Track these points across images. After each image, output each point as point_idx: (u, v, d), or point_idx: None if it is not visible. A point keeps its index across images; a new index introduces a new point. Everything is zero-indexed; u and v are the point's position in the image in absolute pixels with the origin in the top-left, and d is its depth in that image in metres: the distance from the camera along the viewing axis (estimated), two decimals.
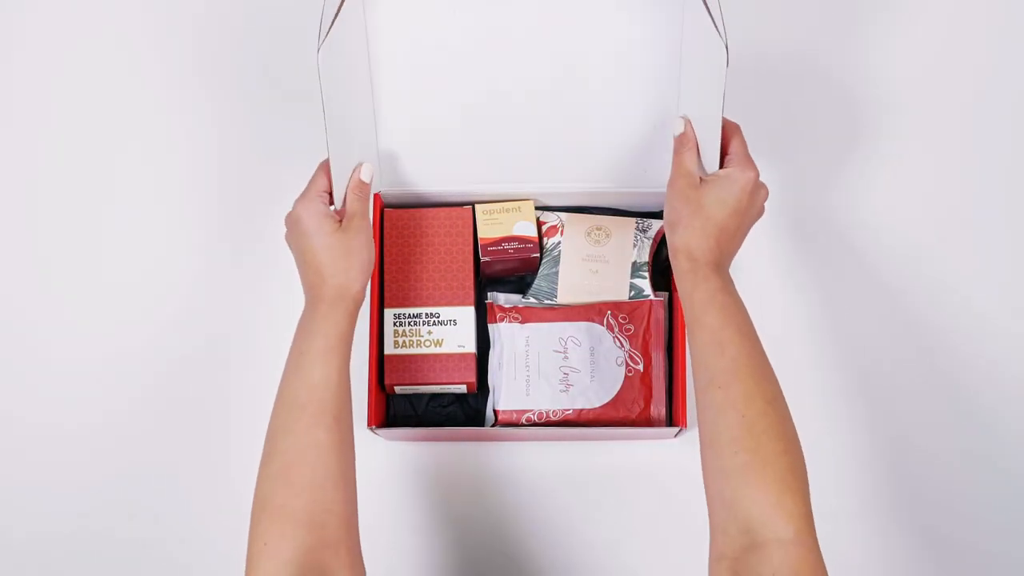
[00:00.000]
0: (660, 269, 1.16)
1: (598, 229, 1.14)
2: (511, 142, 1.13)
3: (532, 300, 1.14)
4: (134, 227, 1.22)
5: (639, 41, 1.09)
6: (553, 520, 1.16)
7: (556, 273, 1.14)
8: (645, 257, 1.13)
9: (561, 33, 1.13)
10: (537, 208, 1.15)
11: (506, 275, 1.15)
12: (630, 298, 1.13)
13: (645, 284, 1.13)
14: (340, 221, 1.00)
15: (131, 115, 1.24)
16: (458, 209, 1.13)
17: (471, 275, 1.12)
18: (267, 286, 1.19)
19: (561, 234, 1.14)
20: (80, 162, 1.23)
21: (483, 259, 1.08)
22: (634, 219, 1.14)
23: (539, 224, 1.15)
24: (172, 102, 1.24)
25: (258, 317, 1.19)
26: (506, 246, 1.03)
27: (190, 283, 1.20)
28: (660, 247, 1.16)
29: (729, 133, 1.00)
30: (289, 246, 1.02)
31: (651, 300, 1.12)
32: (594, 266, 1.13)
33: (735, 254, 0.99)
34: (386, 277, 1.11)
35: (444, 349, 1.10)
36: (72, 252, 1.21)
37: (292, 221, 1.00)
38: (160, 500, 1.16)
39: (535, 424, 1.11)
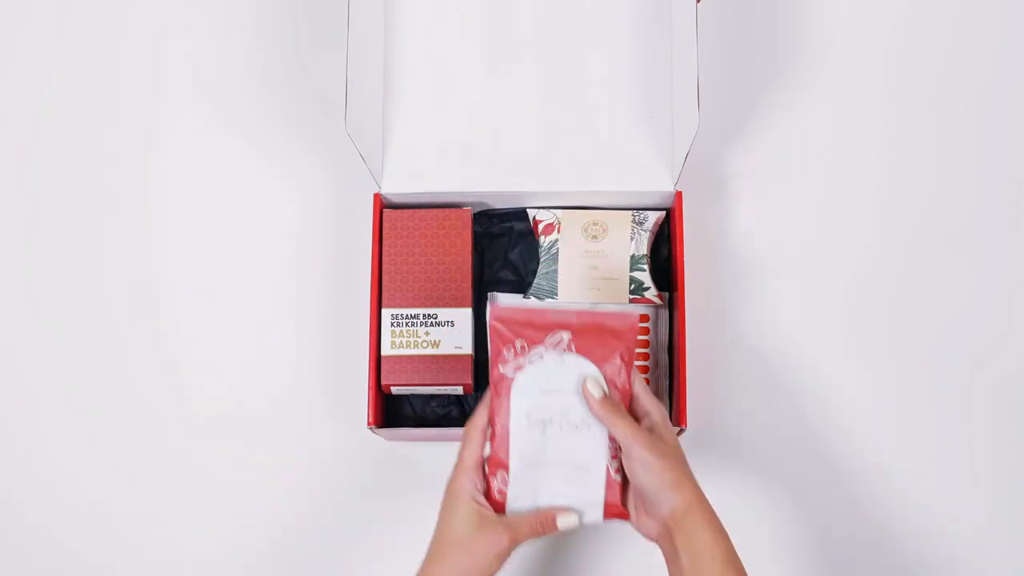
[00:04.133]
0: (660, 268, 1.16)
1: (595, 224, 1.14)
2: (512, 143, 1.13)
3: (533, 299, 1.14)
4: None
5: (633, 40, 1.10)
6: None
7: (555, 271, 1.14)
8: (643, 250, 1.13)
9: (560, 36, 1.14)
10: (533, 207, 1.16)
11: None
12: (631, 291, 1.13)
13: (645, 276, 1.13)
14: (486, 505, 0.94)
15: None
16: (456, 210, 1.13)
17: (468, 276, 1.11)
18: None
19: (558, 231, 1.14)
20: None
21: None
22: (630, 212, 1.14)
23: (535, 223, 1.15)
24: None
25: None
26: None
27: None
28: (659, 243, 1.16)
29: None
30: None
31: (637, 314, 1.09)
32: (593, 261, 1.14)
33: None
34: (384, 277, 1.11)
35: (441, 351, 1.10)
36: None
37: (446, 492, 0.95)
38: None
39: None
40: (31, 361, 1.20)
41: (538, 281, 1.14)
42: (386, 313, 1.11)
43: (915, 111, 1.23)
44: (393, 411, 1.15)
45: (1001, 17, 1.24)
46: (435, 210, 1.13)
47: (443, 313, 1.11)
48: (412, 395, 1.15)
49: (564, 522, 0.94)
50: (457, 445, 1.17)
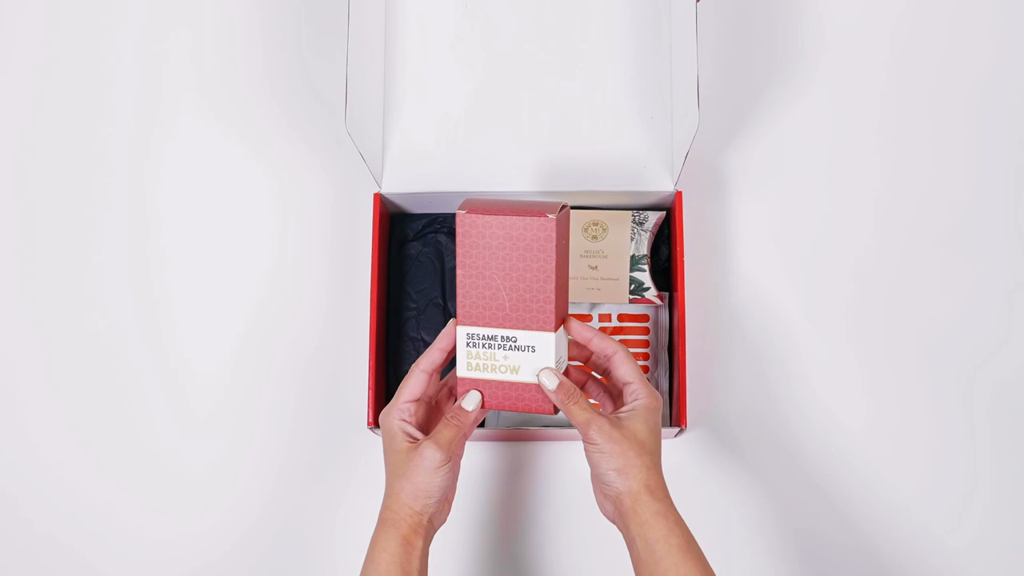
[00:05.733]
0: (660, 268, 1.16)
1: (595, 224, 1.14)
2: (512, 143, 1.13)
3: None
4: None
5: (633, 40, 1.10)
6: (555, 518, 1.16)
7: None
8: (643, 250, 1.13)
9: (559, 36, 1.14)
10: None
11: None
12: (631, 291, 1.13)
13: (645, 277, 1.13)
14: (413, 433, 0.96)
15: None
16: (538, 219, 0.94)
17: (552, 298, 0.96)
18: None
19: None
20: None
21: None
22: (630, 212, 1.14)
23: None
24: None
25: None
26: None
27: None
28: (659, 243, 1.16)
29: (613, 354, 0.97)
30: None
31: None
32: (593, 261, 1.14)
33: None
34: (459, 291, 0.98)
35: (520, 377, 0.98)
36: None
37: (381, 430, 0.98)
38: None
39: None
40: (29, 358, 1.20)
41: None
42: (461, 331, 0.98)
43: (915, 111, 1.23)
44: None
45: (1001, 17, 1.24)
46: (514, 218, 0.95)
47: (523, 337, 0.97)
48: None
49: (468, 402, 0.97)
50: None
